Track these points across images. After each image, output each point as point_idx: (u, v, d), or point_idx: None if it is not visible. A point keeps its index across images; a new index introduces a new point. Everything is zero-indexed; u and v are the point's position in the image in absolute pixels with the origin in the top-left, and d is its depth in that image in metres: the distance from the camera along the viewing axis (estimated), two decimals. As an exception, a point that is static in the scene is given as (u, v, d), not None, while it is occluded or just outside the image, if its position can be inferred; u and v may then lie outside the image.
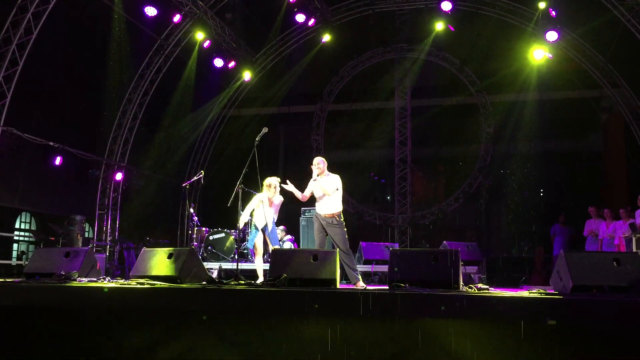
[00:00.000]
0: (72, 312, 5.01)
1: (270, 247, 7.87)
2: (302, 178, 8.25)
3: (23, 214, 13.37)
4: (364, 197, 16.00)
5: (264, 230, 7.96)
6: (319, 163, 7.38)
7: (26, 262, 7.83)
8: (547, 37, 11.50)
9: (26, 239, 13.41)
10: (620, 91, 13.45)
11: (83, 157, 12.58)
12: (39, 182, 12.19)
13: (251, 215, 8.02)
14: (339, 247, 6.92)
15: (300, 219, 11.52)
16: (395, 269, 5.17)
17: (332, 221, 7.20)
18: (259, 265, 7.95)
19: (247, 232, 8.86)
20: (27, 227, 13.53)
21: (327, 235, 7.26)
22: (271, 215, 7.92)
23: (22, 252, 12.84)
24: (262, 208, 7.89)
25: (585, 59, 13.50)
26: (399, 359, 4.17)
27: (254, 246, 8.12)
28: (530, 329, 3.96)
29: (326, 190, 7.18)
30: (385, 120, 15.92)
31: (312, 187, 7.43)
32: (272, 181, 7.92)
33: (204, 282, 5.54)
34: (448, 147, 15.91)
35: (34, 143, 11.06)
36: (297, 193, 7.44)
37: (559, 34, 11.46)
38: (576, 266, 4.68)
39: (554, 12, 11.36)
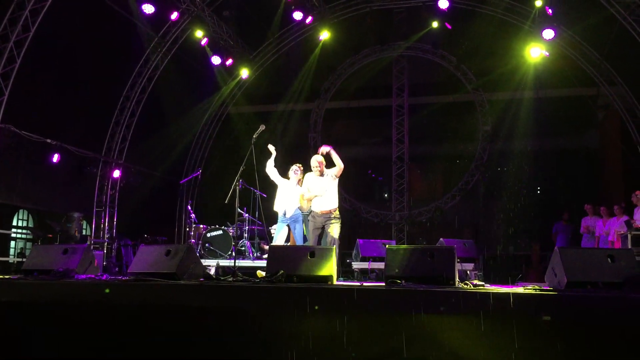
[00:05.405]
0: (70, 309, 5.03)
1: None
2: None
3: (21, 211, 13.37)
4: (362, 195, 16.02)
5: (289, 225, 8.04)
6: (320, 163, 7.46)
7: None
8: (543, 35, 11.49)
9: (24, 236, 13.41)
10: (617, 89, 13.46)
11: (81, 154, 12.58)
12: (37, 179, 12.19)
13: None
14: (333, 238, 7.04)
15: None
16: (392, 266, 5.20)
17: (330, 216, 7.26)
18: None
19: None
20: (25, 224, 13.53)
21: (322, 233, 7.32)
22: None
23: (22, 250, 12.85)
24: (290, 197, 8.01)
25: (582, 57, 13.51)
26: (395, 353, 4.20)
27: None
28: (524, 325, 3.99)
29: (334, 170, 7.36)
30: (383, 118, 15.94)
31: (312, 186, 7.47)
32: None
33: (202, 279, 5.58)
34: (445, 145, 15.93)
35: (32, 140, 11.07)
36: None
37: (555, 32, 11.46)
38: (570, 262, 4.71)
39: (550, 10, 11.36)
